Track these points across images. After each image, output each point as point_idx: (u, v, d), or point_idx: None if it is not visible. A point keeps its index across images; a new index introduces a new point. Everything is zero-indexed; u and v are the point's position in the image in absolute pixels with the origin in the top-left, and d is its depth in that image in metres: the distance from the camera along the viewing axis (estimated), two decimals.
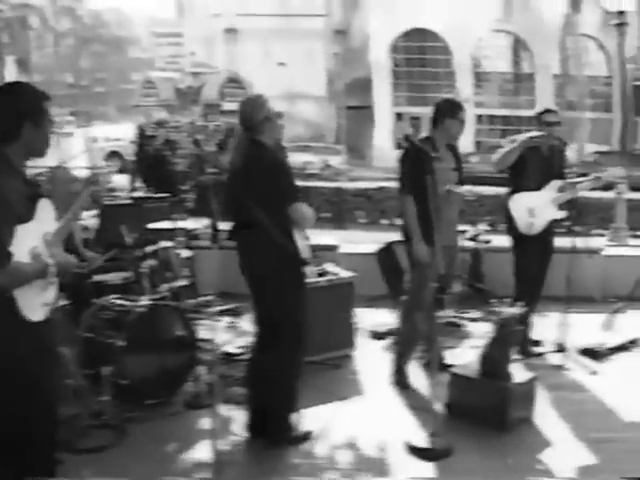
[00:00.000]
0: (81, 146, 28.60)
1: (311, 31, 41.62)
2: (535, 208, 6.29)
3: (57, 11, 46.98)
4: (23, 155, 3.28)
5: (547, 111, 6.40)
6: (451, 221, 5.74)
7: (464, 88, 35.93)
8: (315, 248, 7.79)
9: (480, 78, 38.14)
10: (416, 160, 5.04)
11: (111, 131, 31.63)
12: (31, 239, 3.18)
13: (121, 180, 14.33)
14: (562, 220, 6.57)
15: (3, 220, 3.04)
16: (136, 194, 10.43)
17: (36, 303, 3.21)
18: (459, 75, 37.27)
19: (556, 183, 6.37)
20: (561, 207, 6.40)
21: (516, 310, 5.16)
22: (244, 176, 4.57)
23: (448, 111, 5.71)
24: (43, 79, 45.30)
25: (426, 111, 6.03)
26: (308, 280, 4.87)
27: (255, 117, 4.61)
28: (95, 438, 4.73)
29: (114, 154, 25.84)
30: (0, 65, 41.87)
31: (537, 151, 6.31)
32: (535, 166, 6.28)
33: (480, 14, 34.01)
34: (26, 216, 3.17)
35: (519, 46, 37.40)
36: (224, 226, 5.09)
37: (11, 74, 44.70)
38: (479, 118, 36.93)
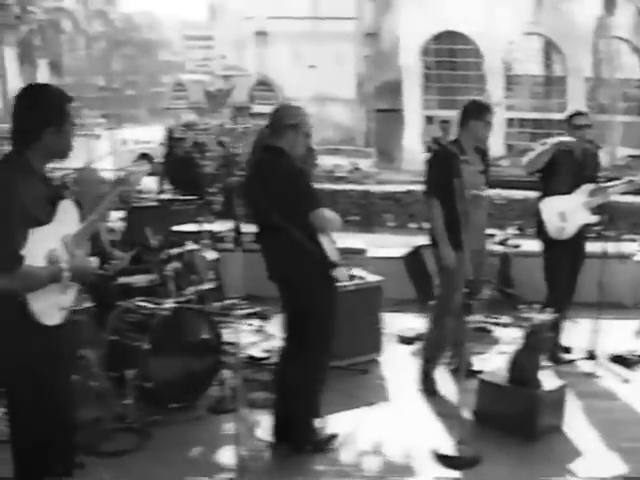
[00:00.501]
0: (109, 148, 28.83)
1: (341, 34, 41.62)
2: (566, 212, 6.17)
3: (89, 14, 47.39)
4: (44, 157, 3.26)
5: (577, 114, 6.26)
6: (479, 225, 5.64)
7: (495, 91, 35.62)
8: (343, 251, 7.78)
9: (511, 81, 37.85)
10: (444, 163, 4.96)
11: (141, 133, 31.78)
12: (49, 242, 3.16)
13: (149, 182, 14.38)
14: (594, 225, 6.44)
15: (16, 224, 3.02)
16: (163, 196, 10.42)
17: (52, 307, 3.18)
18: (490, 78, 37.00)
19: (588, 187, 6.24)
20: (593, 211, 6.27)
21: (546, 316, 5.06)
22: (259, 180, 4.54)
23: (474, 112, 5.60)
24: (75, 81, 45.67)
25: (456, 114, 5.93)
26: (339, 283, 4.78)
27: (282, 121, 4.57)
28: (118, 441, 4.71)
29: (144, 156, 25.92)
30: (33, 68, 42.39)
31: (569, 154, 6.18)
32: (567, 169, 6.16)
33: (511, 17, 33.74)
34: (44, 219, 3.15)
35: (551, 49, 37.09)
36: (247, 229, 5.04)
37: (44, 76, 45.18)
38: (510, 121, 36.66)
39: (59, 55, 43.16)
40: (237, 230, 5.86)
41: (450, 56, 38.12)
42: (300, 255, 4.42)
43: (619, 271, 7.64)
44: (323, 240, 4.49)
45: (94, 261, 3.48)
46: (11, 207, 3.02)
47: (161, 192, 11.76)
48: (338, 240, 4.85)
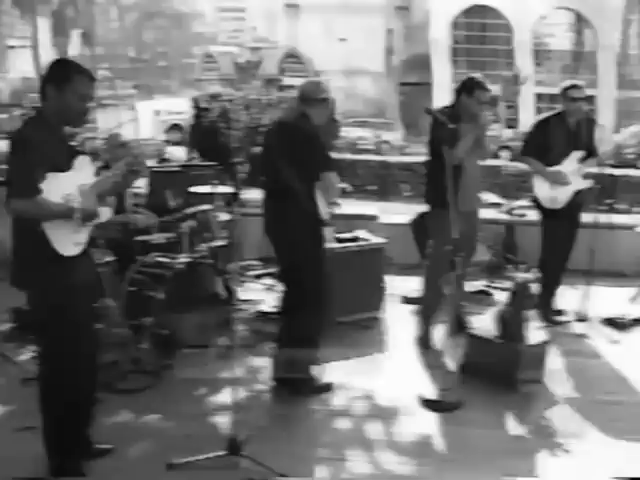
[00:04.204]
0: (144, 118, 29.26)
1: (372, 7, 41.58)
2: None
3: None
4: (55, 116, 3.71)
5: (573, 87, 6.49)
6: (471, 189, 5.96)
7: (524, 66, 35.53)
8: (356, 217, 8.18)
9: (541, 56, 37.69)
10: (433, 130, 5.33)
11: (173, 104, 32.11)
12: (66, 186, 3.66)
13: (178, 151, 14.85)
14: (588, 190, 6.68)
15: (36, 163, 3.52)
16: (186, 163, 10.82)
17: (67, 240, 3.68)
18: (519, 53, 36.87)
19: (577, 154, 6.49)
20: (585, 177, 6.57)
21: (530, 275, 5.42)
22: (282, 139, 4.99)
23: (466, 88, 5.84)
24: (106, 52, 46.18)
25: None
26: (330, 243, 5.18)
27: (313, 95, 5.04)
28: (133, 381, 5.21)
29: (175, 127, 26.43)
30: (65, 38, 42.90)
31: (563, 127, 6.48)
32: (560, 142, 6.44)
33: None
34: (62, 166, 3.66)
35: (581, 23, 36.83)
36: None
37: (76, 47, 45.70)
38: (539, 97, 36.51)
39: (91, 26, 43.62)
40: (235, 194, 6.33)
41: (480, 30, 38.00)
42: (294, 213, 4.87)
43: (620, 240, 7.98)
44: (319, 201, 4.90)
45: (105, 211, 3.95)
46: (32, 151, 3.52)
47: (189, 160, 12.18)
48: (354, 206, 5.23)
